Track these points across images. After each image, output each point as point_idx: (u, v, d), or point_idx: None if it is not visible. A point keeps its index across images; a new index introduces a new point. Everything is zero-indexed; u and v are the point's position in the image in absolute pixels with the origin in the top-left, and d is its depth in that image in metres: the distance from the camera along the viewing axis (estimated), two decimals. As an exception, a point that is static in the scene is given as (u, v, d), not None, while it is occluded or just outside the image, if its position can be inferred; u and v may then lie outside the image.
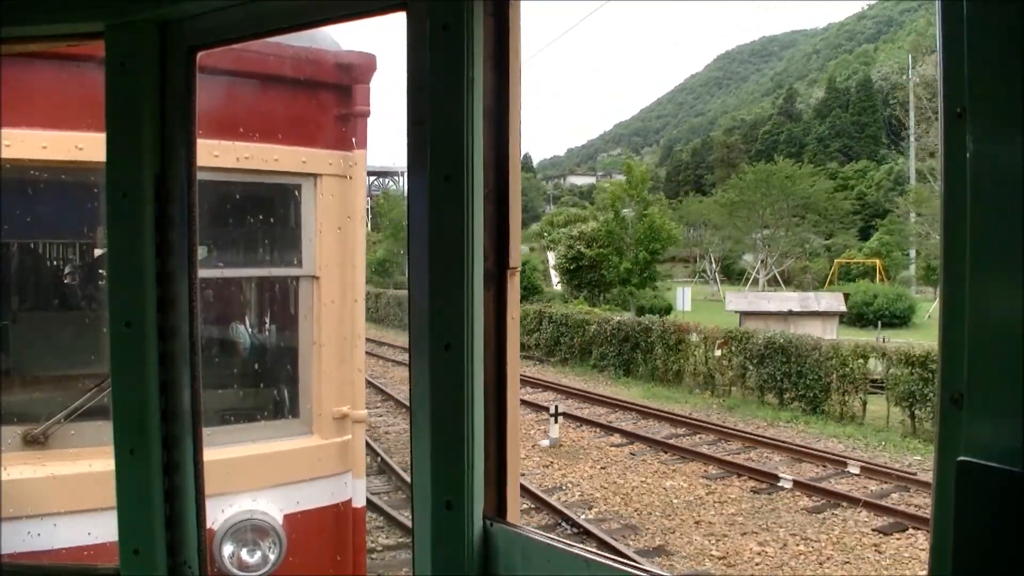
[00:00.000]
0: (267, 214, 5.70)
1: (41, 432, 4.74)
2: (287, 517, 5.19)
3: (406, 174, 2.16)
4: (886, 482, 15.33)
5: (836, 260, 60.05)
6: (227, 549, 4.95)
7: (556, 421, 18.65)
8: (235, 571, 4.96)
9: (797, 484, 14.93)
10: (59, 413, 4.78)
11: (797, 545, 12.27)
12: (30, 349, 5.32)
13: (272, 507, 5.14)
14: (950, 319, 1.30)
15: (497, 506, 2.21)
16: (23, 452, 4.70)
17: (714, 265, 67.04)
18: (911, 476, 15.41)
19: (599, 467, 16.92)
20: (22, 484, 4.54)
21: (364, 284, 5.90)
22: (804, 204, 56.29)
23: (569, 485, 15.50)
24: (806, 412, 22.04)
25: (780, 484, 14.95)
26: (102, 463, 4.14)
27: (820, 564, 11.56)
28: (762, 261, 59.83)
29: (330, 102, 5.51)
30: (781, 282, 58.33)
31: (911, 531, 12.57)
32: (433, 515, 2.10)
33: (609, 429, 20.06)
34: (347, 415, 5.56)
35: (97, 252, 5.66)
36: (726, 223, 61.81)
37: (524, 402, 21.21)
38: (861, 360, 21.45)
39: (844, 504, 13.88)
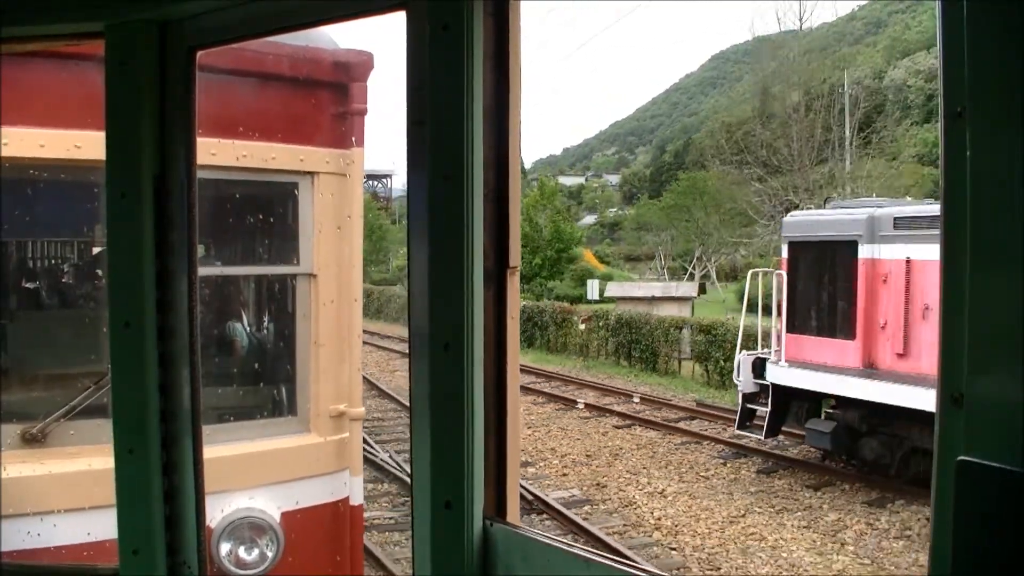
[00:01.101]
0: (265, 212, 5.69)
1: (40, 430, 4.74)
2: (285, 515, 5.19)
3: (406, 174, 2.16)
4: (647, 405, 23.59)
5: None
6: (225, 547, 4.95)
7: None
8: (233, 569, 4.96)
9: (586, 405, 23.32)
10: (57, 411, 4.77)
11: (564, 431, 20.55)
12: (28, 348, 5.31)
13: (270, 505, 5.14)
14: (950, 319, 1.30)
15: (497, 506, 2.21)
16: (22, 450, 4.69)
17: (663, 262, 69.84)
18: (667, 402, 23.90)
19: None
20: (21, 482, 4.54)
21: (362, 282, 5.90)
22: (732, 208, 58.30)
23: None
24: (644, 370, 29.88)
25: (577, 405, 23.46)
26: (101, 461, 4.14)
27: (566, 434, 20.20)
28: (698, 258, 63.87)
29: (327, 100, 5.50)
30: (714, 277, 63.54)
31: (635, 426, 20.80)
32: (433, 515, 2.10)
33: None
34: (344, 413, 5.56)
35: (95, 250, 5.65)
36: (667, 225, 66.79)
37: (393, 351, 31.72)
38: (676, 330, 29.03)
39: (607, 415, 22.26)
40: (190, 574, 2.55)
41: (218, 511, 4.94)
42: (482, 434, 2.12)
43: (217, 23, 2.40)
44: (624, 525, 13.58)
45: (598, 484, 15.86)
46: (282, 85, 5.41)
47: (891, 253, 14.81)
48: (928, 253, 13.80)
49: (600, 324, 32.86)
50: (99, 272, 5.34)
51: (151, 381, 2.47)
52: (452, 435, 2.07)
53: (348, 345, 5.61)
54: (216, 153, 4.91)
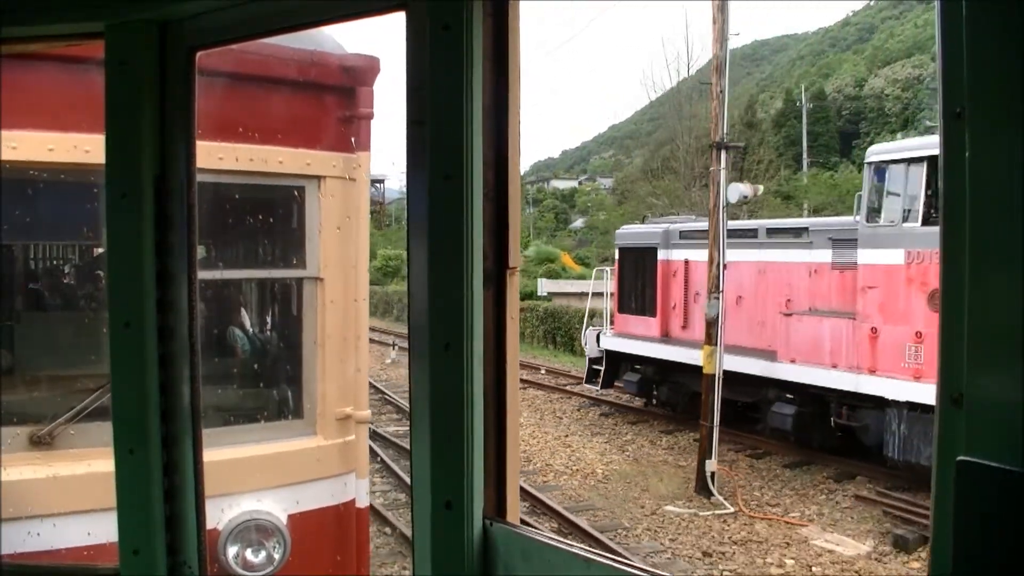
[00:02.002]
0: (271, 216, 5.70)
1: (47, 433, 4.75)
2: (291, 517, 5.20)
3: (406, 174, 2.16)
4: (550, 375, 29.32)
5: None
6: (232, 549, 4.96)
7: (394, 349, 33.02)
8: (240, 571, 4.97)
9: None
10: (65, 414, 4.78)
11: None
12: (32, 350, 5.33)
13: (276, 507, 5.15)
14: (950, 319, 1.29)
15: (497, 506, 2.21)
16: (28, 453, 4.70)
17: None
18: (567, 372, 29.54)
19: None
20: (24, 484, 4.55)
21: (367, 285, 5.90)
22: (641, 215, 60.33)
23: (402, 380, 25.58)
24: (565, 351, 35.98)
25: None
26: (103, 463, 4.15)
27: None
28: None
29: (333, 104, 5.51)
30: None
31: (529, 388, 26.03)
32: (433, 515, 2.10)
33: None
34: (350, 416, 5.57)
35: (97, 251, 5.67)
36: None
37: (373, 340, 33.20)
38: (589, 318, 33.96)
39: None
40: (191, 574, 2.55)
41: (226, 514, 4.95)
42: (482, 434, 2.11)
43: (217, 23, 2.40)
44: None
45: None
46: (289, 89, 5.42)
47: (677, 256, 20.74)
48: (699, 256, 18.51)
49: (532, 315, 39.31)
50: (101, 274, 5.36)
51: (151, 381, 2.47)
52: (452, 435, 2.07)
53: (354, 348, 5.61)
54: (223, 157, 4.93)
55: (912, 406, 13.46)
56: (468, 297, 2.06)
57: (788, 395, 16.62)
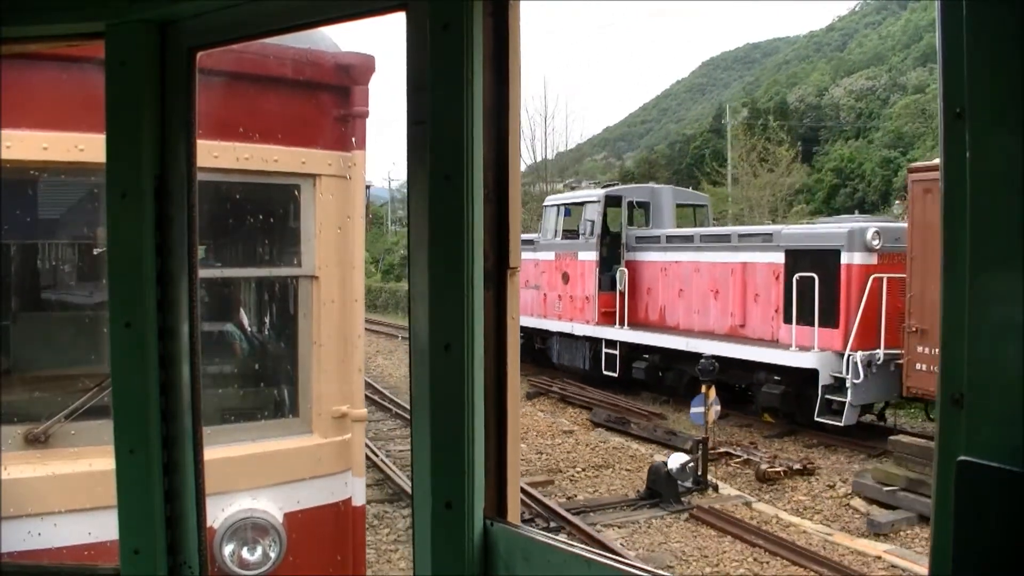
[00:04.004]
0: (267, 214, 5.69)
1: (43, 431, 4.74)
2: (287, 516, 5.19)
3: (406, 174, 2.16)
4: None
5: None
6: (228, 547, 4.96)
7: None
8: (236, 569, 4.97)
9: (403, 338, 30.81)
10: (60, 412, 4.77)
11: (391, 352, 32.23)
12: (30, 349, 5.32)
13: (272, 506, 5.15)
14: (950, 319, 1.29)
15: (497, 506, 2.21)
16: (24, 451, 4.69)
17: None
18: None
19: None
20: (23, 483, 4.54)
21: (363, 284, 5.90)
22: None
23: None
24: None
25: (396, 338, 33.93)
26: (102, 462, 4.15)
27: (391, 356, 31.84)
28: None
29: (329, 103, 5.50)
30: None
31: None
32: (433, 515, 2.10)
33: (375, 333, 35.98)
34: (346, 414, 5.56)
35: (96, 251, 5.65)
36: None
37: (380, 333, 38.24)
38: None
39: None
40: (191, 574, 2.55)
41: (222, 512, 4.95)
42: (482, 434, 2.11)
43: (217, 23, 2.40)
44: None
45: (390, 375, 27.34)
46: (284, 88, 5.41)
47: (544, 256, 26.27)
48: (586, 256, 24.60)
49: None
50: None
51: (152, 381, 2.47)
52: (452, 435, 2.07)
53: (350, 346, 5.61)
54: (219, 155, 4.92)
55: (561, 334, 24.75)
56: (468, 297, 2.06)
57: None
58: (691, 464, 13.85)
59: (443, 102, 2.05)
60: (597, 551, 2.11)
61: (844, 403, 15.82)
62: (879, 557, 11.11)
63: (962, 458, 1.25)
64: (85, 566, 4.16)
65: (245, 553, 5.01)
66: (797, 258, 17.56)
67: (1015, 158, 1.20)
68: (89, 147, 4.40)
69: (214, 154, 4.85)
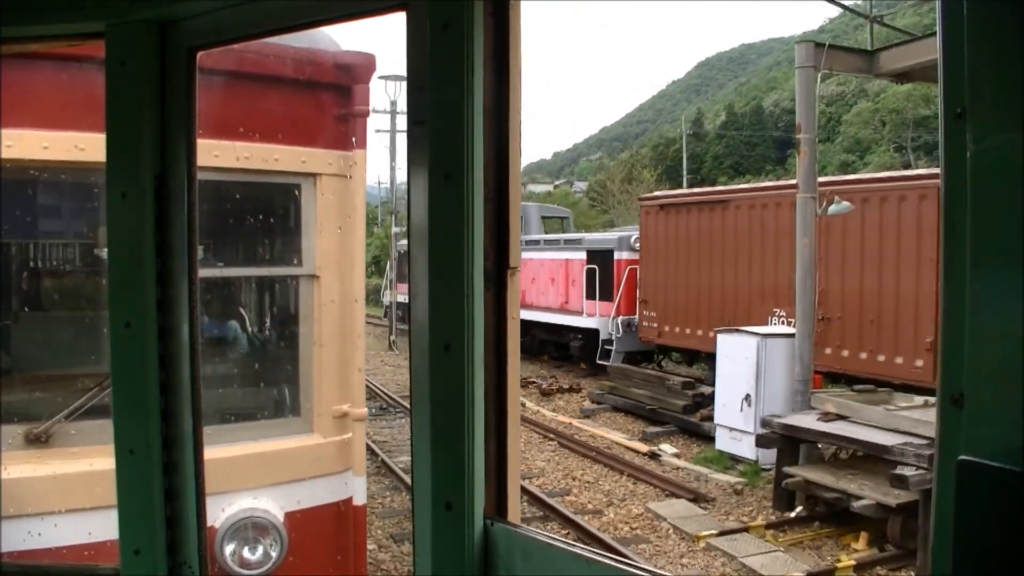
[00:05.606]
0: (267, 214, 5.69)
1: (43, 431, 4.74)
2: (288, 515, 5.19)
3: (406, 174, 2.16)
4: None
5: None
6: (229, 547, 4.96)
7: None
8: (237, 569, 4.97)
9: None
10: (60, 412, 4.77)
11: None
12: (31, 349, 5.32)
13: (273, 505, 5.15)
14: (950, 319, 1.29)
15: (497, 506, 2.20)
16: (25, 451, 4.69)
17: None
18: None
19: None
20: (23, 483, 4.54)
21: (364, 283, 5.90)
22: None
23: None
24: None
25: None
26: (102, 462, 4.15)
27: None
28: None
29: (330, 102, 5.50)
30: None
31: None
32: (433, 515, 2.09)
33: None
34: (347, 414, 5.56)
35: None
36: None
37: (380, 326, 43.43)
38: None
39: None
40: (191, 574, 2.54)
41: (223, 511, 4.95)
42: (482, 434, 2.11)
43: (217, 23, 2.39)
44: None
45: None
46: (284, 87, 5.41)
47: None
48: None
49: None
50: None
51: (152, 381, 2.47)
52: (452, 435, 2.07)
53: (350, 345, 5.61)
54: (219, 154, 4.92)
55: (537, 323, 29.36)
56: (468, 297, 2.05)
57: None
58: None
59: (443, 102, 2.04)
60: (598, 551, 2.10)
61: (611, 350, 25.14)
62: (572, 423, 20.76)
63: (962, 458, 1.24)
64: (85, 566, 4.16)
65: (246, 552, 5.01)
66: (592, 256, 27.00)
67: (1015, 158, 1.19)
68: (89, 146, 4.40)
69: (215, 153, 4.85)
